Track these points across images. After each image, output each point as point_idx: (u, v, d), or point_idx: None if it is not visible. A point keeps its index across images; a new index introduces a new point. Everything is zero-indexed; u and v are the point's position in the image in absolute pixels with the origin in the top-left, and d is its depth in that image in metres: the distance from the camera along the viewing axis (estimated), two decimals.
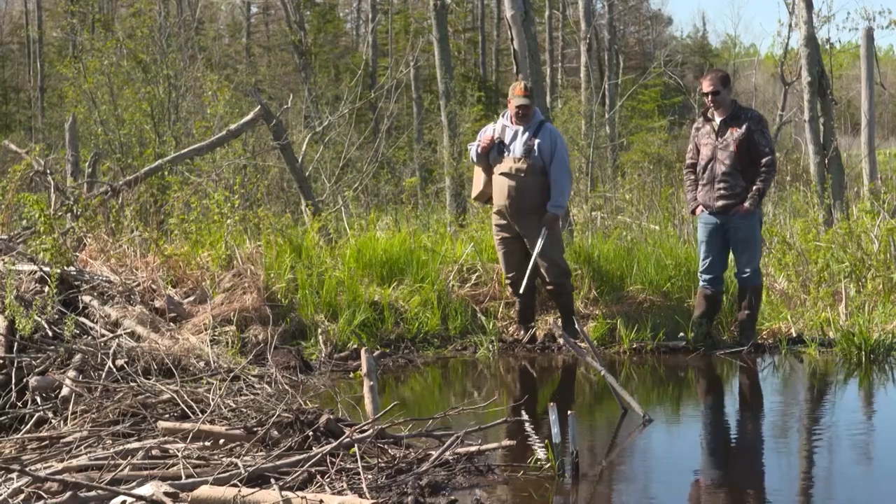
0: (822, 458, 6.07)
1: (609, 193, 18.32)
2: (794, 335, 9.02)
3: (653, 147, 26.94)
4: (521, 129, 8.97)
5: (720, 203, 8.65)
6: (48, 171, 11.21)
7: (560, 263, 9.07)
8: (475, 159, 9.24)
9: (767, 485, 5.47)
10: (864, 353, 8.42)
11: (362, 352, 6.66)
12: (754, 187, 8.57)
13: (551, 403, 5.40)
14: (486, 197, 9.34)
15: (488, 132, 9.14)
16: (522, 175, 8.88)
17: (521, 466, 5.43)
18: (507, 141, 8.99)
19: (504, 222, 9.09)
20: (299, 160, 14.28)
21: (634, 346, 8.91)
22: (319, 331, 8.83)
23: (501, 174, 9.00)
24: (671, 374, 8.50)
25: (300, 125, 21.99)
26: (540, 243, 8.84)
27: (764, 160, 8.57)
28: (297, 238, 10.29)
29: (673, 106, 44.19)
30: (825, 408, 7.56)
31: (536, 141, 8.89)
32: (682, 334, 8.96)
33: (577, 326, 7.73)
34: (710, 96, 8.64)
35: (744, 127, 8.56)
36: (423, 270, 9.72)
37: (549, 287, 9.15)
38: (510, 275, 9.19)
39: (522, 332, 9.22)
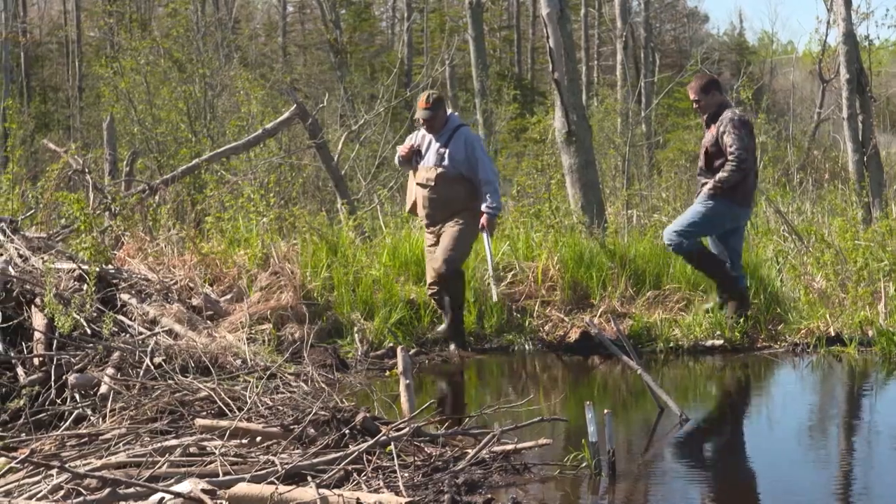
0: (860, 460, 6.01)
1: (645, 192, 18.24)
2: (833, 334, 8.93)
3: (689, 145, 26.71)
4: (433, 137, 8.84)
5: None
6: (86, 170, 11.27)
7: (455, 256, 8.68)
8: (399, 165, 9.33)
9: (804, 485, 5.42)
10: None
11: (398, 350, 6.65)
12: (716, 175, 8.74)
13: (588, 402, 5.38)
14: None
15: (413, 140, 9.05)
16: (433, 184, 8.76)
17: (558, 465, 5.41)
18: (423, 150, 8.91)
19: (430, 230, 8.97)
20: (335, 159, 14.32)
21: (671, 344, 8.87)
22: (355, 329, 8.85)
23: (417, 184, 8.92)
24: (708, 373, 8.45)
25: (336, 124, 22.10)
26: (487, 248, 8.78)
27: (728, 157, 8.68)
28: (333, 237, 10.30)
29: None
30: (864, 408, 7.47)
31: (447, 149, 8.74)
32: (707, 304, 9.12)
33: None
34: (693, 104, 9.05)
35: (714, 129, 8.78)
36: None
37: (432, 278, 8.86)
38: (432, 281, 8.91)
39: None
